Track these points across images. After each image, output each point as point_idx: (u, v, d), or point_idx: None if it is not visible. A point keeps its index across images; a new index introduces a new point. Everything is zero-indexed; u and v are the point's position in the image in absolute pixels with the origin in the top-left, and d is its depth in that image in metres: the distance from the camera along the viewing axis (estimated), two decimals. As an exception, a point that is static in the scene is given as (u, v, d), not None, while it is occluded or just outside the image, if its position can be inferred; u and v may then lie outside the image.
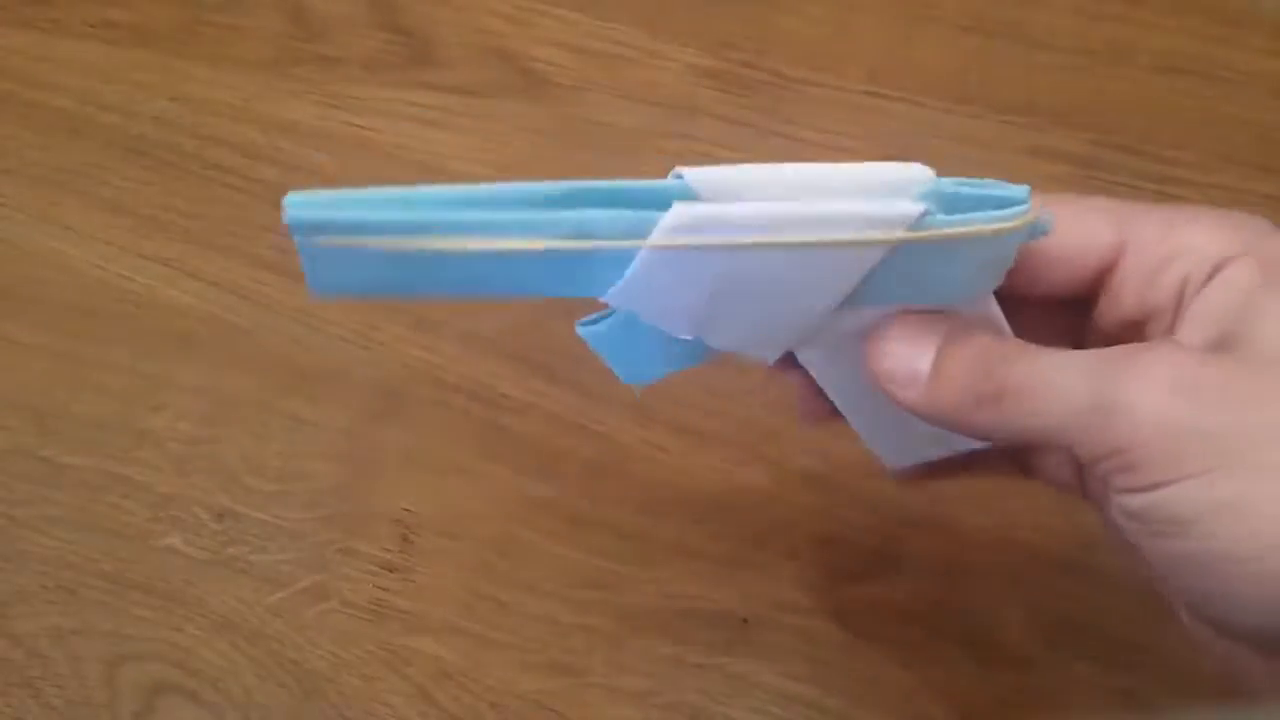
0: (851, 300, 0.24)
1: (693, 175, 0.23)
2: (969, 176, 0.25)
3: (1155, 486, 0.20)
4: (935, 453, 0.28)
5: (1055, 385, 0.21)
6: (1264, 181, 0.42)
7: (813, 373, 0.26)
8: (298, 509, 0.39)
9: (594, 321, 0.26)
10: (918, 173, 0.22)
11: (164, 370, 0.42)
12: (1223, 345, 0.22)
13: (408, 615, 0.37)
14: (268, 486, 0.40)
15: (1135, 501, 0.20)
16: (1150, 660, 0.33)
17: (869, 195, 0.23)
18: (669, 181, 0.23)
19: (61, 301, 0.44)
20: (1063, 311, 0.26)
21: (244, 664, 0.36)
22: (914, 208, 0.22)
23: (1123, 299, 0.24)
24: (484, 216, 0.22)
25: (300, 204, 0.21)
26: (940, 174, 0.24)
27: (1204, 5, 0.46)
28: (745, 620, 0.36)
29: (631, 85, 0.46)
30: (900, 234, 0.22)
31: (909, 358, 0.23)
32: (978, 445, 0.27)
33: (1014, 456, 0.28)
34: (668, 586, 0.36)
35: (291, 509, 0.39)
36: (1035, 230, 0.24)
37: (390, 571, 0.38)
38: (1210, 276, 0.23)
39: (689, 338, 0.25)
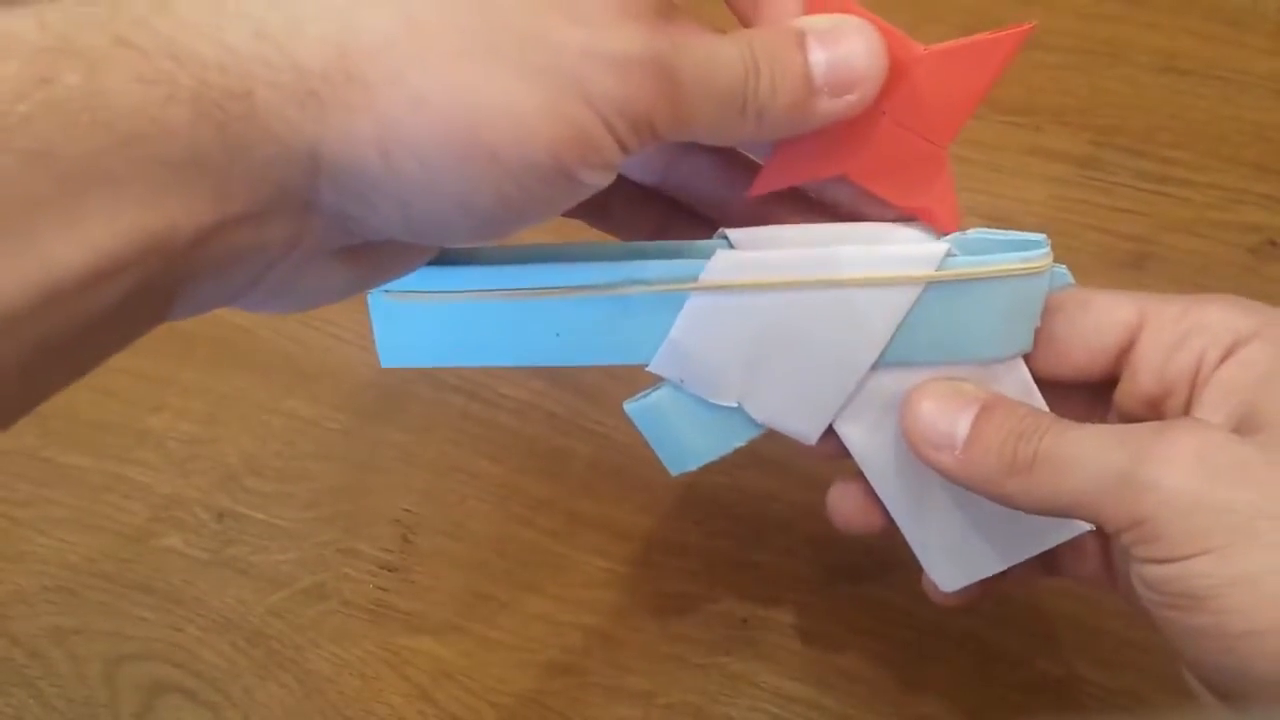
0: (887, 357, 0.25)
1: (735, 234, 0.25)
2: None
3: (1175, 559, 0.20)
4: (990, 564, 0.27)
5: (1085, 457, 0.22)
6: (1264, 181, 0.42)
7: (857, 456, 0.27)
8: (298, 509, 0.39)
9: (642, 398, 0.27)
10: (938, 245, 0.24)
11: (164, 370, 0.42)
12: (1244, 424, 0.22)
13: (408, 615, 0.37)
14: (268, 486, 0.40)
15: (1155, 572, 0.21)
16: (1150, 660, 0.33)
17: (897, 241, 0.24)
18: (712, 240, 0.25)
19: (62, 301, 0.44)
20: (1085, 395, 0.26)
21: (244, 664, 0.36)
22: (940, 246, 0.24)
23: (1141, 375, 0.25)
24: (545, 271, 0.24)
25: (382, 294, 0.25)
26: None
27: (1204, 5, 0.46)
28: (745, 620, 0.36)
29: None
30: (928, 272, 0.24)
31: (946, 420, 0.24)
32: (1033, 552, 0.27)
33: (1040, 556, 0.28)
34: (668, 586, 0.36)
35: (291, 509, 0.39)
36: (1056, 278, 0.25)
37: (390, 571, 0.38)
38: (1227, 354, 0.23)
39: (732, 404, 0.26)
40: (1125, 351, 0.25)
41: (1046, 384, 0.26)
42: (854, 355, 0.25)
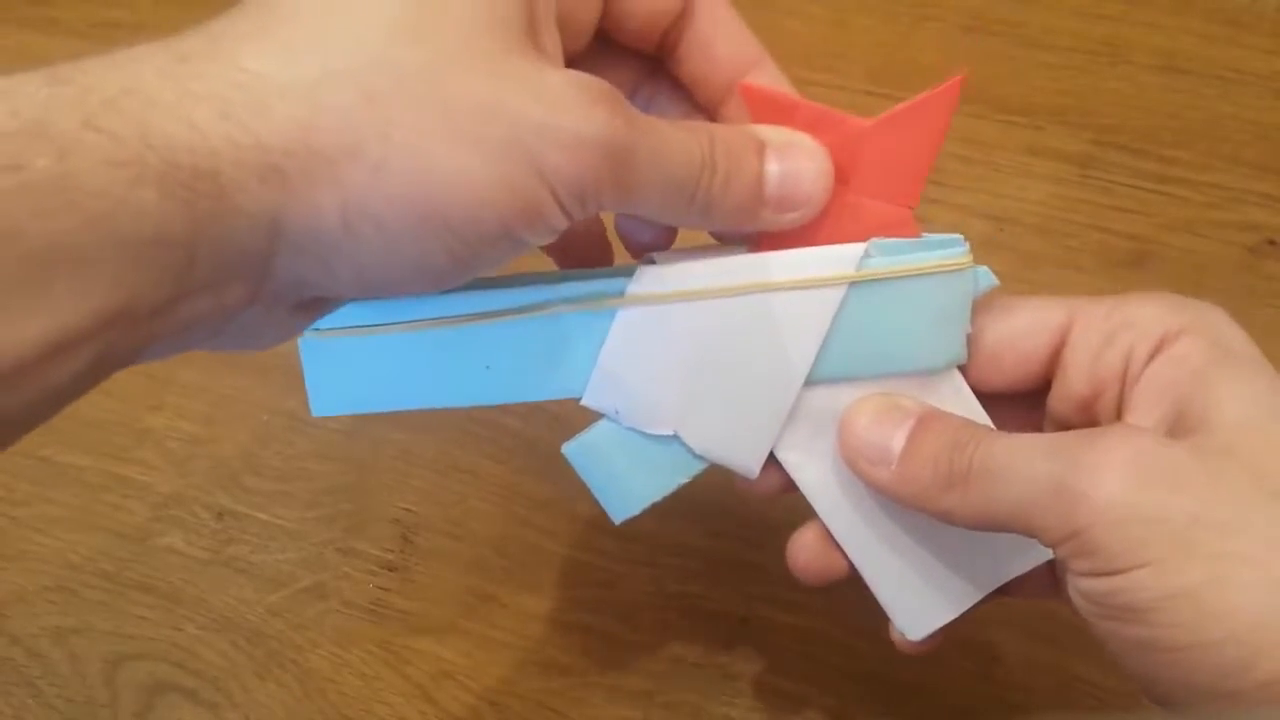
0: (821, 372, 0.24)
1: (661, 257, 0.25)
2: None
3: (1112, 572, 0.20)
4: (954, 602, 0.26)
5: (1017, 466, 0.21)
6: (1264, 181, 0.42)
7: (804, 489, 0.26)
8: (298, 509, 0.39)
9: (579, 438, 0.26)
10: (855, 246, 0.24)
11: (164, 370, 0.42)
12: (1177, 425, 0.22)
13: (408, 615, 0.37)
14: (268, 486, 0.40)
15: (1092, 585, 0.21)
16: (1150, 660, 0.33)
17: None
18: (640, 264, 0.25)
19: (61, 301, 0.44)
20: (1022, 408, 0.26)
21: (244, 664, 0.36)
22: (857, 247, 0.24)
23: (1071, 376, 0.25)
24: (473, 298, 0.24)
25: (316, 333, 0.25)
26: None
27: (1204, 5, 0.46)
28: (745, 620, 0.36)
29: (631, 85, 0.46)
30: (848, 271, 0.24)
31: (881, 434, 0.24)
32: (996, 584, 0.26)
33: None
34: (667, 586, 0.36)
35: (291, 509, 0.39)
36: (980, 280, 0.25)
37: (390, 571, 0.38)
38: (1156, 350, 0.23)
39: (669, 433, 0.25)
40: (1056, 355, 0.25)
41: (982, 396, 0.26)
42: (785, 367, 0.24)
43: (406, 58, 0.19)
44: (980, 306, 0.25)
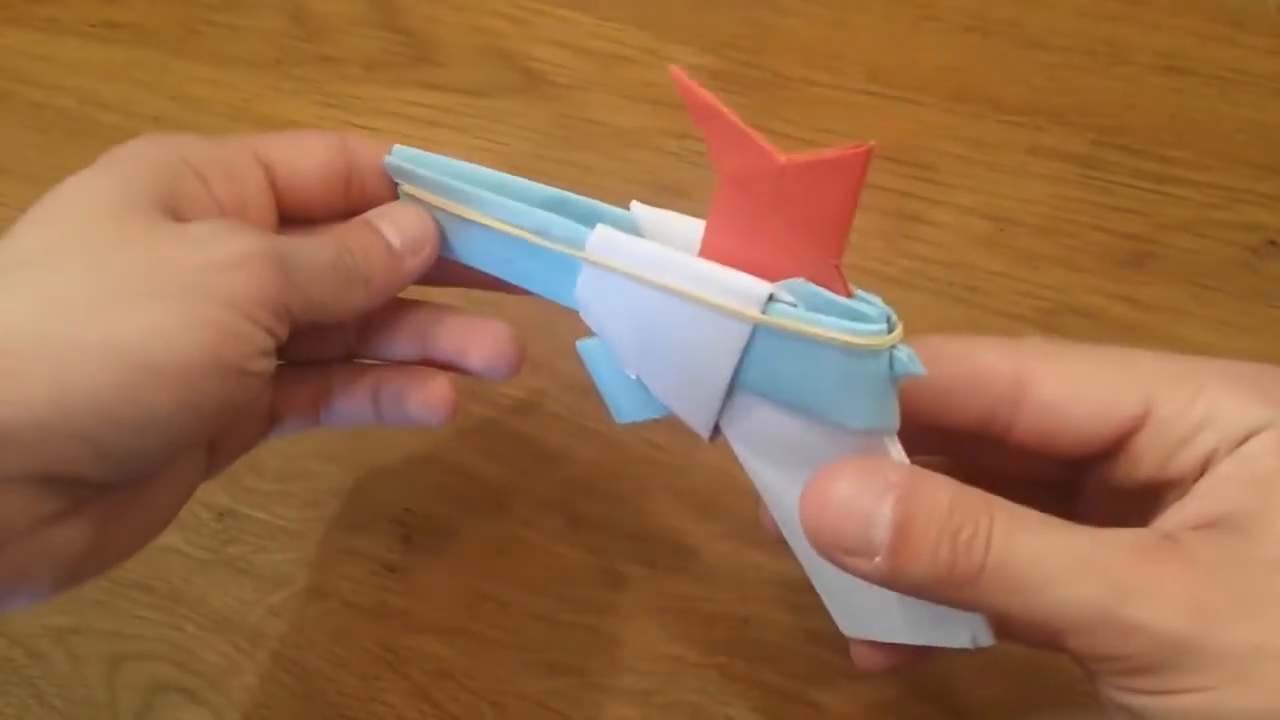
0: (749, 384, 0.23)
1: (640, 210, 0.25)
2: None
3: (1155, 693, 0.20)
4: (885, 632, 0.25)
5: (1050, 579, 0.20)
6: (1264, 181, 0.42)
7: (746, 470, 0.25)
8: (298, 508, 0.39)
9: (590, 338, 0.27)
10: (761, 286, 0.22)
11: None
12: (1223, 521, 0.21)
13: (408, 615, 0.37)
14: (268, 486, 0.40)
15: (1131, 701, 0.20)
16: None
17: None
18: (623, 210, 0.26)
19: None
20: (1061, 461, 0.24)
21: (244, 664, 0.36)
22: (763, 289, 0.22)
23: (1142, 465, 0.23)
24: (493, 198, 0.26)
25: (401, 152, 0.28)
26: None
27: (1204, 5, 0.46)
28: (746, 620, 0.36)
29: (631, 85, 0.46)
30: (750, 310, 0.22)
31: (858, 519, 0.20)
32: (935, 643, 0.25)
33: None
34: (668, 586, 0.36)
35: (291, 509, 0.39)
36: (900, 367, 0.21)
37: (390, 571, 0.38)
38: (1234, 450, 0.21)
39: (633, 376, 0.25)
40: (1122, 441, 0.23)
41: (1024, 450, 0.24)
42: (709, 370, 0.23)
43: (68, 263, 0.22)
44: (1043, 360, 0.23)
